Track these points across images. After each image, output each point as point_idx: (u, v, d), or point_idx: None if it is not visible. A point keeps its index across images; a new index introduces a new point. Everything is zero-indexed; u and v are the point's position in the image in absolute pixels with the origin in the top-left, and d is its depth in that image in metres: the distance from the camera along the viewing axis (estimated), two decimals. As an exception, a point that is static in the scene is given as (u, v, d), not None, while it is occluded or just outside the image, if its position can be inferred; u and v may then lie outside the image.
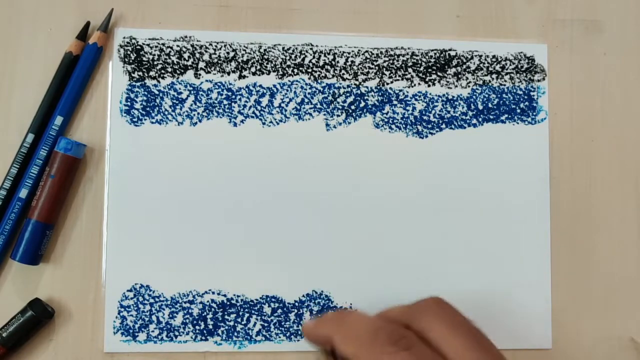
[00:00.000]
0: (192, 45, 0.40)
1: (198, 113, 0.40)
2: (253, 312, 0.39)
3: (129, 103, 0.39)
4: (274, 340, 0.39)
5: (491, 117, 0.41)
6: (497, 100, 0.41)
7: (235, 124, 0.40)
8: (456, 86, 0.41)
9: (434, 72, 0.41)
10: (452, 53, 0.41)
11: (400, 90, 0.41)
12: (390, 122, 0.40)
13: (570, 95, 0.42)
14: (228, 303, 0.39)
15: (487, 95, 0.41)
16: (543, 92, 0.41)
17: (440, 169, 0.40)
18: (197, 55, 0.40)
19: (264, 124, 0.40)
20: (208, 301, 0.39)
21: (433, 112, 0.41)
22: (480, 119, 0.41)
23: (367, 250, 0.40)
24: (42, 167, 0.38)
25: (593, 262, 0.41)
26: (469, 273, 0.40)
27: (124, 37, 0.40)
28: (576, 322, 0.40)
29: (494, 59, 0.41)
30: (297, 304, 0.39)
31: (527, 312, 0.40)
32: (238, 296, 0.39)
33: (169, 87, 0.39)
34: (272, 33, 0.40)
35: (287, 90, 0.40)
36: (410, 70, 0.41)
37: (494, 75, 0.41)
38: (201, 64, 0.40)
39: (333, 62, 0.40)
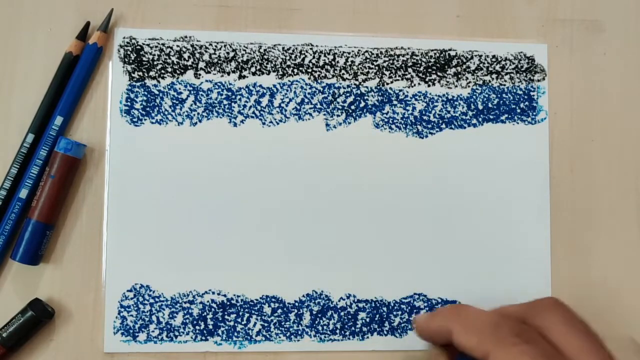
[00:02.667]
0: (192, 45, 0.40)
1: (198, 113, 0.40)
2: (253, 312, 0.39)
3: (129, 103, 0.39)
4: (274, 340, 0.39)
5: (491, 117, 0.41)
6: (497, 100, 0.41)
7: (235, 124, 0.40)
8: (456, 86, 0.41)
9: (434, 72, 0.41)
10: (452, 53, 0.41)
11: (400, 90, 0.41)
12: (390, 122, 0.40)
13: (570, 95, 0.42)
14: (228, 303, 0.39)
15: (487, 95, 0.41)
16: (543, 92, 0.41)
17: (440, 169, 0.40)
18: (197, 55, 0.40)
19: (264, 124, 0.40)
20: (208, 301, 0.39)
21: (433, 112, 0.41)
22: (480, 119, 0.41)
23: (367, 250, 0.40)
24: (42, 167, 0.38)
25: (593, 262, 0.41)
26: (469, 273, 0.40)
27: (124, 37, 0.40)
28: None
29: (494, 59, 0.41)
30: (297, 304, 0.39)
31: (527, 312, 0.40)
32: (238, 296, 0.39)
33: (169, 87, 0.39)
34: (272, 33, 0.40)
35: (287, 90, 0.40)
36: (410, 70, 0.41)
37: (494, 75, 0.41)
38: (201, 64, 0.40)
39: (333, 62, 0.40)
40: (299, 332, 0.39)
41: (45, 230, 0.37)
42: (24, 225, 0.37)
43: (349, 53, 0.40)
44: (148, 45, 0.40)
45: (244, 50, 0.40)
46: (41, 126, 0.38)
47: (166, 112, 0.39)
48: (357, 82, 0.40)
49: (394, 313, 0.39)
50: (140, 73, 0.39)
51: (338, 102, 0.40)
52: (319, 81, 0.40)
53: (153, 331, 0.38)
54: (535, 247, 0.40)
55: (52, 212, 0.37)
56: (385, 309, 0.39)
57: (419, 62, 0.41)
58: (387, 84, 0.40)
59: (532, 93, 0.41)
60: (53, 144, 0.38)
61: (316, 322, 0.39)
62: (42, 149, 0.38)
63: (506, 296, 0.40)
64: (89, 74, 0.39)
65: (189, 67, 0.40)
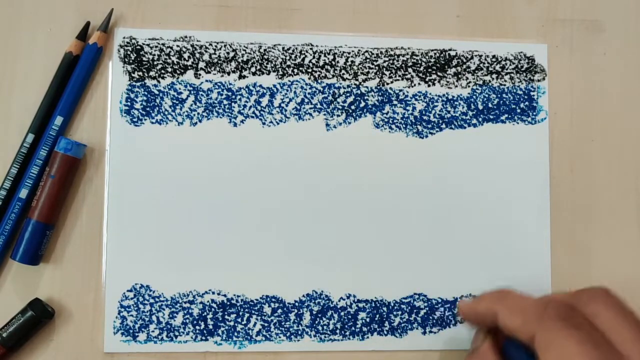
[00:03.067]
0: (192, 45, 0.40)
1: (198, 113, 0.40)
2: (253, 312, 0.39)
3: (129, 103, 0.39)
4: (274, 340, 0.39)
5: (491, 117, 0.41)
6: (497, 100, 0.41)
7: (235, 124, 0.40)
8: (456, 86, 0.41)
9: (434, 72, 0.41)
10: (452, 53, 0.41)
11: (400, 90, 0.41)
12: (390, 122, 0.40)
13: (570, 95, 0.42)
14: (228, 303, 0.39)
15: (487, 95, 0.41)
16: (543, 92, 0.41)
17: (440, 169, 0.40)
18: (197, 55, 0.40)
19: (264, 124, 0.40)
20: (208, 301, 0.39)
21: (433, 112, 0.41)
22: (480, 119, 0.41)
23: (367, 250, 0.40)
24: (42, 167, 0.38)
25: (593, 262, 0.41)
26: (469, 273, 0.40)
27: (124, 37, 0.40)
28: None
29: (494, 59, 0.41)
30: (297, 304, 0.39)
31: (527, 312, 0.40)
32: (238, 296, 0.39)
33: (169, 87, 0.39)
34: (272, 33, 0.40)
35: (287, 90, 0.40)
36: (410, 70, 0.41)
37: (494, 75, 0.41)
38: (201, 64, 0.40)
39: (333, 62, 0.40)
40: (299, 332, 0.39)
41: (45, 230, 0.37)
42: (24, 225, 0.37)
43: (349, 53, 0.40)
44: (148, 45, 0.40)
45: (244, 50, 0.40)
46: (41, 126, 0.38)
47: (166, 112, 0.39)
48: (357, 82, 0.40)
49: (394, 313, 0.39)
50: (140, 73, 0.39)
51: (338, 102, 0.40)
52: (319, 81, 0.40)
53: (153, 331, 0.38)
54: (535, 247, 0.40)
55: (52, 212, 0.37)
56: (385, 309, 0.39)
57: (419, 62, 0.41)
58: (387, 84, 0.40)
59: (532, 93, 0.41)
60: (53, 144, 0.38)
61: (316, 322, 0.39)
62: (42, 149, 0.38)
63: (506, 296, 0.40)
64: (89, 74, 0.39)
65: (189, 67, 0.40)
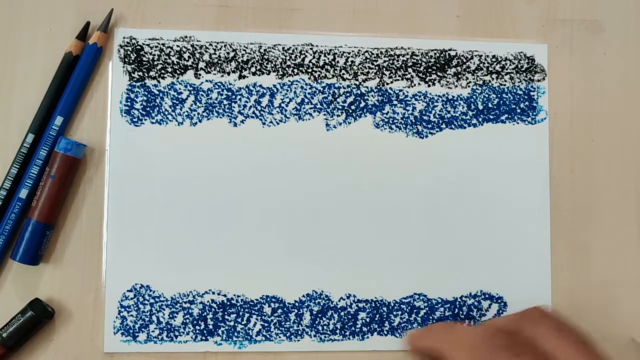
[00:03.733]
0: (192, 45, 0.40)
1: (198, 113, 0.40)
2: (253, 312, 0.39)
3: (129, 103, 0.39)
4: (274, 340, 0.39)
5: (491, 117, 0.41)
6: (497, 100, 0.41)
7: (235, 124, 0.40)
8: (456, 86, 0.41)
9: (434, 72, 0.41)
10: (452, 53, 0.41)
11: (400, 90, 0.40)
12: (390, 122, 0.40)
13: (570, 95, 0.42)
14: (228, 303, 0.39)
15: (487, 95, 0.41)
16: (543, 92, 0.41)
17: (440, 169, 0.40)
18: (197, 55, 0.40)
19: (264, 124, 0.40)
20: (208, 301, 0.39)
21: (433, 112, 0.41)
22: (480, 119, 0.41)
23: (367, 250, 0.40)
24: (42, 167, 0.38)
25: (593, 262, 0.41)
26: (469, 273, 0.40)
27: (124, 37, 0.40)
28: (576, 322, 0.40)
29: (494, 59, 0.41)
30: (297, 304, 0.39)
31: (527, 312, 0.40)
32: (238, 296, 0.39)
33: (169, 87, 0.39)
34: (272, 33, 0.40)
35: (287, 90, 0.40)
36: (410, 70, 0.41)
37: (494, 75, 0.41)
38: (201, 64, 0.40)
39: (333, 62, 0.40)
40: (299, 332, 0.39)
41: (45, 230, 0.37)
42: (24, 225, 0.37)
43: (349, 53, 0.40)
44: (148, 45, 0.40)
45: (244, 50, 0.40)
46: (41, 126, 0.38)
47: (166, 112, 0.39)
48: (357, 82, 0.40)
49: (394, 313, 0.39)
50: (140, 73, 0.39)
51: (338, 102, 0.40)
52: (319, 81, 0.40)
53: (153, 331, 0.38)
54: (535, 247, 0.40)
55: (52, 212, 0.37)
56: (385, 309, 0.39)
57: (419, 62, 0.41)
58: (387, 84, 0.40)
59: (532, 93, 0.41)
60: (53, 144, 0.38)
61: (316, 322, 0.39)
62: (42, 149, 0.38)
63: (506, 296, 0.40)
64: (89, 74, 0.39)
65: (189, 67, 0.40)
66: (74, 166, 0.38)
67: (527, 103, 0.41)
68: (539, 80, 0.41)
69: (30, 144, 0.38)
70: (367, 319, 0.39)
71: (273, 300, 0.39)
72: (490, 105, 0.41)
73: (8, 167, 0.38)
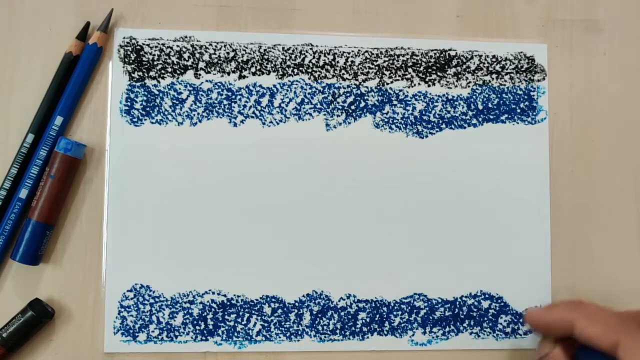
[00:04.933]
0: (192, 45, 0.40)
1: (198, 113, 0.40)
2: (253, 312, 0.39)
3: (129, 103, 0.39)
4: (274, 340, 0.39)
5: (491, 117, 0.41)
6: (497, 100, 0.41)
7: (235, 124, 0.40)
8: (456, 86, 0.41)
9: (434, 72, 0.41)
10: (452, 53, 0.41)
11: (400, 90, 0.40)
12: (390, 122, 0.40)
13: (570, 95, 0.42)
14: (228, 303, 0.39)
15: (487, 95, 0.41)
16: (543, 92, 0.41)
17: (440, 169, 0.40)
18: (197, 55, 0.40)
19: (264, 124, 0.40)
20: (208, 301, 0.39)
21: (433, 112, 0.41)
22: (480, 119, 0.41)
23: (367, 250, 0.40)
24: (42, 167, 0.38)
25: (593, 262, 0.41)
26: (469, 272, 0.40)
27: (124, 37, 0.40)
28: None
29: (494, 59, 0.41)
30: (297, 304, 0.39)
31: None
32: (238, 296, 0.39)
33: (169, 87, 0.39)
34: (272, 33, 0.40)
35: (287, 90, 0.40)
36: (410, 70, 0.41)
37: (494, 75, 0.41)
38: (201, 64, 0.40)
39: (333, 62, 0.40)
40: (299, 332, 0.39)
41: (45, 230, 0.37)
42: (24, 226, 0.37)
43: (349, 53, 0.40)
44: (148, 45, 0.40)
45: (244, 50, 0.40)
46: (41, 126, 0.38)
47: (166, 112, 0.39)
48: (357, 82, 0.40)
49: (394, 313, 0.39)
50: (140, 73, 0.39)
51: (338, 102, 0.40)
52: (319, 81, 0.40)
53: (153, 331, 0.38)
54: (535, 246, 0.40)
55: (52, 212, 0.37)
56: (385, 309, 0.39)
57: (419, 62, 0.41)
58: (387, 84, 0.40)
59: (532, 93, 0.41)
60: (53, 144, 0.38)
61: (316, 322, 0.39)
62: (42, 149, 0.38)
63: (506, 296, 0.40)
64: (89, 74, 0.39)
65: (189, 67, 0.40)
66: (74, 166, 0.38)
67: (527, 103, 0.41)
68: (539, 80, 0.41)
69: (30, 144, 0.38)
70: (367, 319, 0.39)
71: (273, 300, 0.39)
72: (490, 105, 0.41)
73: (8, 167, 0.38)
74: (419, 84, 0.41)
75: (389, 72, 0.40)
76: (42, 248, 0.38)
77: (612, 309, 0.34)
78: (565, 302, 0.36)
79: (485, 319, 0.40)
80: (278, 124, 0.40)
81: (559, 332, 0.35)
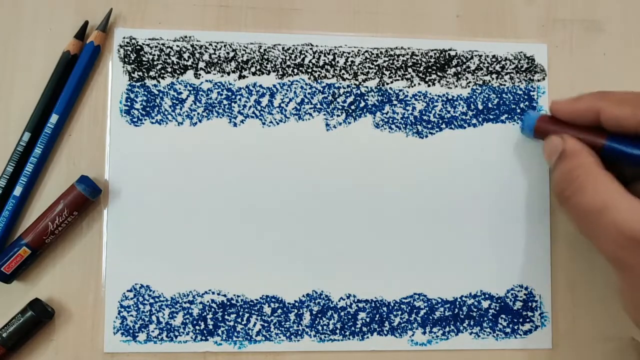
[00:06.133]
0: (192, 45, 0.40)
1: (198, 113, 0.39)
2: (253, 312, 0.39)
3: (128, 103, 0.39)
4: (274, 340, 0.39)
5: (491, 117, 0.41)
6: (497, 100, 0.41)
7: (235, 124, 0.40)
8: (456, 86, 0.41)
9: (434, 72, 0.41)
10: (452, 53, 0.41)
11: (400, 90, 0.40)
12: (390, 122, 0.40)
13: (570, 95, 0.42)
14: (228, 303, 0.39)
15: (487, 95, 0.41)
16: (543, 92, 0.41)
17: (440, 169, 0.40)
18: (197, 55, 0.40)
19: (264, 124, 0.40)
20: (208, 301, 0.39)
21: (433, 112, 0.41)
22: (480, 119, 0.41)
23: (367, 250, 0.40)
24: (38, 166, 0.38)
25: (593, 261, 0.41)
26: (469, 272, 0.40)
27: (124, 37, 0.39)
28: (576, 322, 0.40)
29: (494, 59, 0.41)
30: (297, 304, 0.39)
31: (526, 312, 0.40)
32: (238, 296, 0.39)
33: (169, 87, 0.39)
34: (272, 33, 0.40)
35: (287, 90, 0.40)
36: (410, 70, 0.41)
37: (494, 75, 0.41)
38: (201, 64, 0.40)
39: (333, 62, 0.40)
40: (299, 332, 0.39)
41: (32, 256, 0.37)
42: (14, 243, 0.37)
43: (349, 53, 0.40)
44: (148, 45, 0.40)
45: (244, 50, 0.40)
46: (38, 125, 0.38)
47: (166, 112, 0.39)
48: (357, 82, 0.40)
49: (394, 313, 0.39)
50: (140, 73, 0.39)
51: (338, 102, 0.40)
52: (319, 81, 0.40)
53: (153, 331, 0.38)
54: (535, 247, 0.40)
55: (43, 241, 0.37)
56: (385, 309, 0.39)
57: (419, 62, 0.41)
58: (387, 84, 0.40)
59: (532, 93, 0.41)
60: (49, 142, 0.38)
61: (316, 322, 0.39)
62: (37, 147, 0.38)
63: (506, 296, 0.40)
64: (87, 73, 0.39)
65: (189, 67, 0.40)
66: (84, 205, 0.38)
67: (527, 103, 0.41)
68: (538, 80, 0.41)
69: (27, 143, 0.38)
70: (367, 319, 0.39)
71: (273, 300, 0.39)
72: (490, 105, 0.41)
73: (4, 166, 0.38)
74: (419, 84, 0.41)
75: (389, 72, 0.40)
76: (21, 270, 0.37)
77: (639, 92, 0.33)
78: (590, 93, 0.35)
79: (485, 319, 0.40)
80: (278, 124, 0.40)
81: (585, 122, 0.34)
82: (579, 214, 0.33)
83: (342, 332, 0.39)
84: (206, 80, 0.40)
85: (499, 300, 0.40)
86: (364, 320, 0.39)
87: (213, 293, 0.39)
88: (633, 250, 0.31)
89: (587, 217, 0.33)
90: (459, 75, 0.41)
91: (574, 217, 0.34)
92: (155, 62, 0.39)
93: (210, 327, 0.39)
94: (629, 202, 0.31)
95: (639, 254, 0.31)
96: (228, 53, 0.40)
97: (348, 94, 0.40)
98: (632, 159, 0.34)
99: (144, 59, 0.39)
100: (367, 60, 0.40)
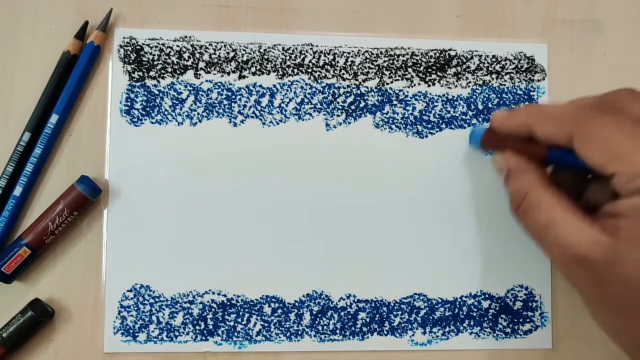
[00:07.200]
0: (192, 45, 0.40)
1: (198, 113, 0.39)
2: (253, 312, 0.39)
3: (129, 103, 0.39)
4: (274, 340, 0.39)
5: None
6: (497, 100, 0.41)
7: (235, 124, 0.40)
8: (456, 86, 0.41)
9: (434, 72, 0.41)
10: (452, 53, 0.41)
11: (400, 90, 0.40)
12: (390, 122, 0.40)
13: (570, 95, 0.41)
14: (228, 303, 0.39)
15: (487, 95, 0.41)
16: (543, 92, 0.41)
17: (441, 169, 0.40)
18: (197, 55, 0.40)
19: (264, 124, 0.40)
20: (208, 301, 0.39)
21: (433, 112, 0.41)
22: (480, 119, 0.41)
23: (367, 250, 0.40)
24: (37, 166, 0.38)
25: (593, 262, 0.41)
26: (469, 272, 0.40)
27: (124, 37, 0.39)
28: (576, 322, 0.40)
29: (494, 59, 0.41)
30: (297, 304, 0.39)
31: (526, 312, 0.40)
32: (238, 296, 0.39)
33: (169, 87, 0.39)
34: (272, 33, 0.40)
35: (287, 90, 0.40)
36: (410, 70, 0.41)
37: (494, 75, 0.41)
38: (201, 64, 0.40)
39: (333, 62, 0.40)
40: (299, 332, 0.39)
41: (33, 256, 0.37)
42: (14, 242, 0.37)
43: (349, 53, 0.40)
44: (148, 45, 0.40)
45: (244, 50, 0.40)
46: (38, 125, 0.38)
47: (166, 112, 0.39)
48: (357, 82, 0.40)
49: (394, 313, 0.39)
50: (140, 73, 0.39)
51: (338, 102, 0.40)
52: (319, 81, 0.40)
53: (153, 331, 0.38)
54: (535, 246, 0.40)
55: (44, 241, 0.37)
56: (385, 309, 0.39)
57: (419, 62, 0.41)
58: (387, 84, 0.40)
59: (532, 93, 0.41)
60: (49, 142, 0.38)
61: (316, 322, 0.39)
62: (37, 147, 0.38)
63: (506, 296, 0.40)
64: (87, 73, 0.39)
65: (189, 67, 0.40)
66: (84, 205, 0.38)
67: (527, 103, 0.41)
68: (538, 80, 0.41)
69: (27, 143, 0.38)
70: (367, 319, 0.39)
71: (273, 300, 0.39)
72: (490, 105, 0.41)
73: (4, 166, 0.38)
74: (419, 84, 0.41)
75: (389, 72, 0.40)
76: (21, 270, 0.37)
77: (570, 101, 0.33)
78: (525, 106, 0.36)
79: (485, 319, 0.40)
80: (278, 124, 0.40)
81: (522, 135, 0.34)
82: (531, 231, 0.34)
83: (342, 332, 0.39)
84: (206, 80, 0.40)
85: (499, 300, 0.40)
86: (364, 320, 0.39)
87: (213, 293, 0.39)
88: (576, 269, 0.31)
89: (538, 235, 0.33)
90: (459, 75, 0.41)
91: (529, 234, 0.34)
92: (155, 62, 0.39)
93: (211, 327, 0.39)
94: (571, 221, 0.31)
95: (581, 273, 0.31)
96: (228, 53, 0.40)
97: (348, 94, 0.40)
98: (573, 167, 0.34)
99: (144, 59, 0.39)
100: (367, 60, 0.40)
